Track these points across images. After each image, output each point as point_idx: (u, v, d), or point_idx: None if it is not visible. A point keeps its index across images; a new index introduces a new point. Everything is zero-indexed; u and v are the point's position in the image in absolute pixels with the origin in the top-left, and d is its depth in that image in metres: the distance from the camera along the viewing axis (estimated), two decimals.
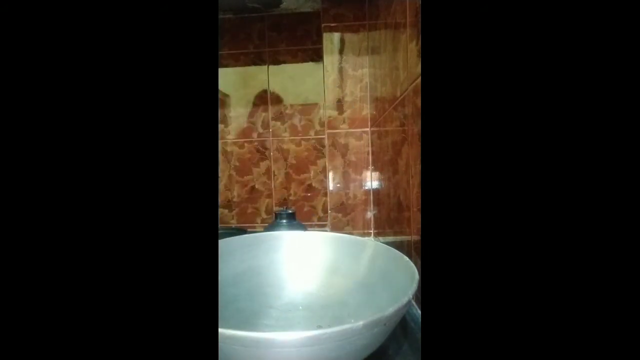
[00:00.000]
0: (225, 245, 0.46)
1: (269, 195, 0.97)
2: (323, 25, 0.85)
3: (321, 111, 0.94)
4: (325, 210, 0.94)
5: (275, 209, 0.92)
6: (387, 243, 0.45)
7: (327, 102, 0.86)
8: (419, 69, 0.43)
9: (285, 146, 0.96)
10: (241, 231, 0.87)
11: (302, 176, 0.96)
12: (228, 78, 0.96)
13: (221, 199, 0.97)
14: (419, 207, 0.43)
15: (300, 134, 0.96)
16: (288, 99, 0.96)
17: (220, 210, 0.97)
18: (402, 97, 0.52)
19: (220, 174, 0.97)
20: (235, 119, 0.97)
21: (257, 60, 0.95)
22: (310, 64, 0.94)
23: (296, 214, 0.77)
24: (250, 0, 0.87)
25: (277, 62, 0.95)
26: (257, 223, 0.97)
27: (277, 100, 0.96)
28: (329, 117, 0.86)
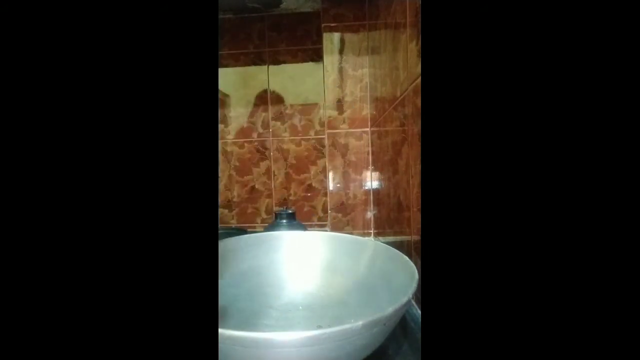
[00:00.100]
0: (225, 245, 0.46)
1: (269, 195, 0.97)
2: (323, 25, 0.85)
3: (321, 111, 0.94)
4: (325, 210, 0.94)
5: (275, 209, 0.92)
6: (387, 243, 0.45)
7: (327, 102, 0.86)
8: (419, 69, 0.43)
9: (285, 146, 0.96)
10: (241, 231, 0.87)
11: (302, 176, 0.96)
12: (228, 78, 0.96)
13: (221, 199, 0.97)
14: (419, 207, 0.43)
15: (300, 134, 0.96)
16: (288, 99, 0.96)
17: (220, 210, 0.97)
18: (402, 97, 0.52)
19: (220, 174, 0.97)
20: (235, 119, 0.97)
21: (257, 60, 0.95)
22: (310, 64, 0.94)
23: (296, 214, 0.77)
24: (250, 0, 0.87)
25: (277, 62, 0.95)
26: (257, 223, 0.97)
27: (277, 100, 0.96)
28: (329, 117, 0.86)
